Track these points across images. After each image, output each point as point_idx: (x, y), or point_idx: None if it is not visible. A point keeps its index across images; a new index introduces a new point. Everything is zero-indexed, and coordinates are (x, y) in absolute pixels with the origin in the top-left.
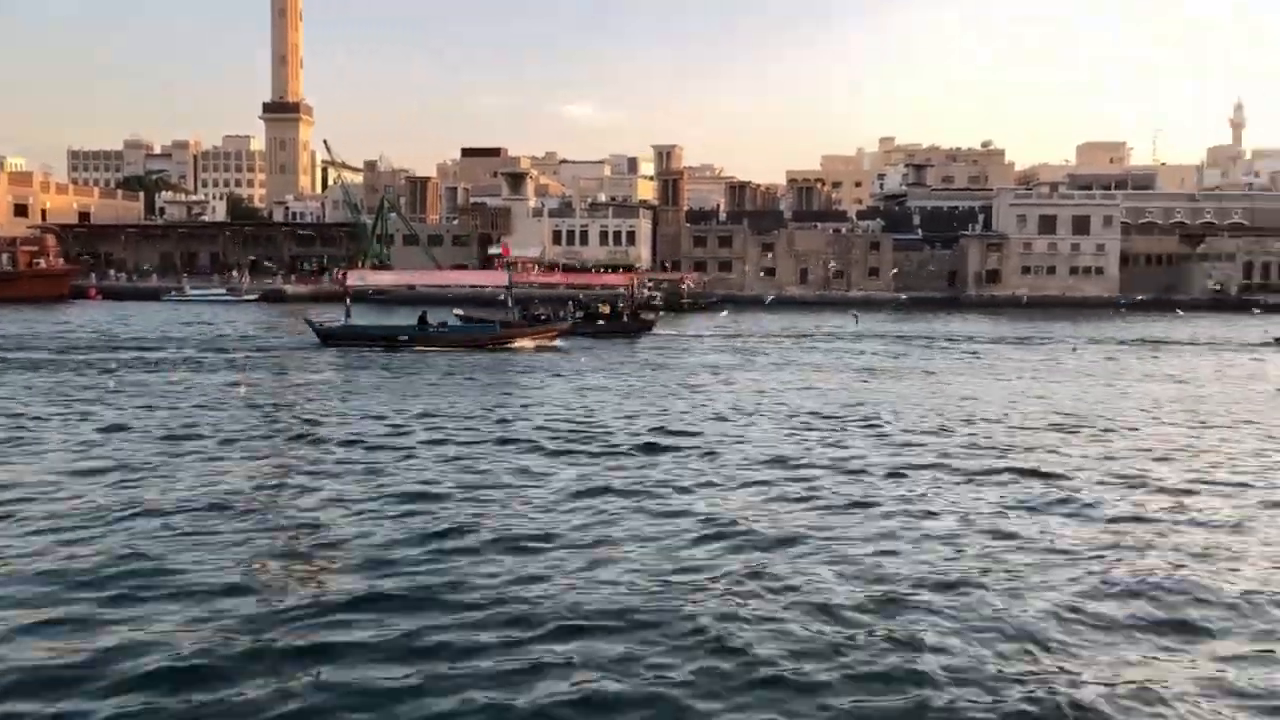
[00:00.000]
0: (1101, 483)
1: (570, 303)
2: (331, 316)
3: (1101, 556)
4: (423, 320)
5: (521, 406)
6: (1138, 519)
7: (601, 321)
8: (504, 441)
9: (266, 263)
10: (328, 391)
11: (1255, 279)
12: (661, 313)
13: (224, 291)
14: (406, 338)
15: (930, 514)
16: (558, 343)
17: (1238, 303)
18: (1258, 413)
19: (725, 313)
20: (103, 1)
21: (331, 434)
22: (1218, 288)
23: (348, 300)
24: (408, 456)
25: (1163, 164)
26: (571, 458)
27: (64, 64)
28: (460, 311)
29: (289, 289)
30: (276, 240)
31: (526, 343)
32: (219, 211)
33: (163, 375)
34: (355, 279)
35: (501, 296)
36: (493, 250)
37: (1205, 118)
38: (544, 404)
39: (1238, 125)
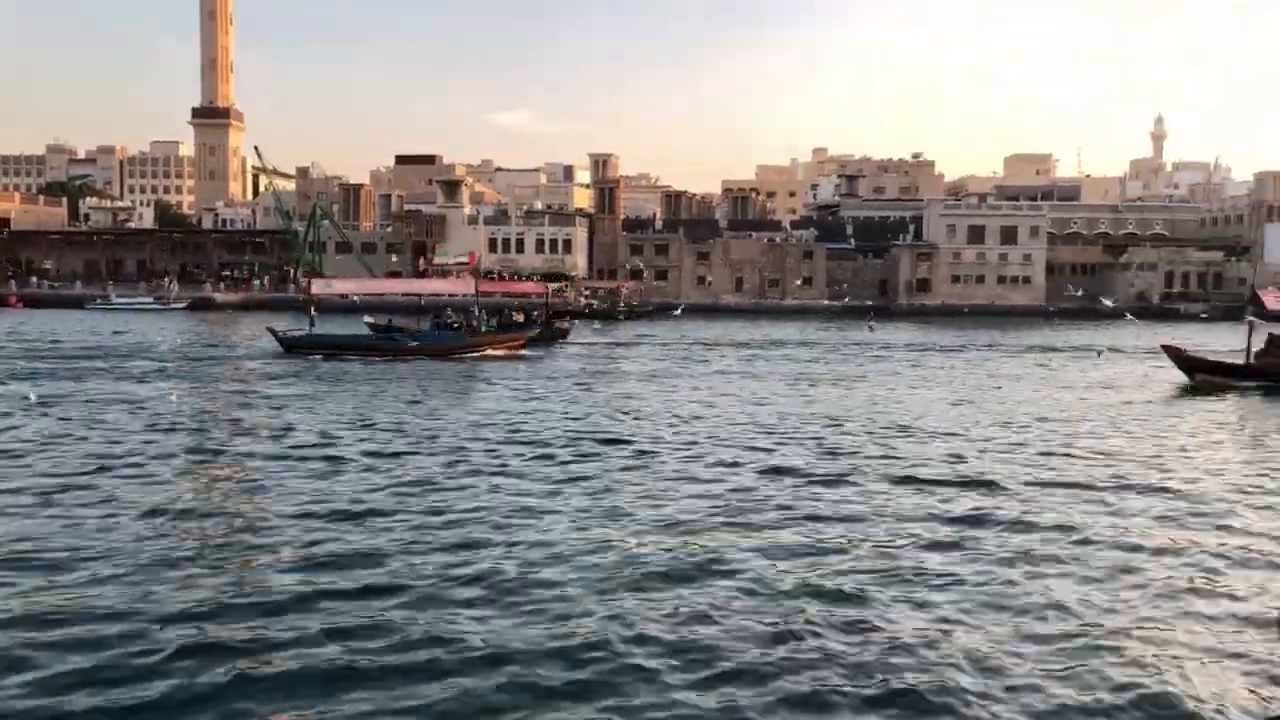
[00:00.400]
0: (1012, 491)
1: (481, 310)
2: (283, 326)
3: (1007, 565)
4: (389, 328)
5: (462, 414)
6: (1032, 525)
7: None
8: (450, 450)
9: (195, 270)
10: (280, 400)
11: (1176, 288)
12: (574, 320)
13: (151, 299)
14: (373, 346)
15: (839, 520)
16: (525, 351)
17: (1160, 310)
18: (1161, 419)
19: (679, 311)
20: (25, 1)
21: (262, 445)
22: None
23: (313, 309)
24: (337, 466)
25: (1087, 176)
26: (497, 464)
27: None
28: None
29: (218, 297)
30: (206, 248)
31: (495, 350)
32: (146, 218)
33: (87, 384)
34: (320, 287)
35: (474, 307)
36: (462, 259)
37: (1128, 130)
38: (490, 412)
39: (1158, 138)
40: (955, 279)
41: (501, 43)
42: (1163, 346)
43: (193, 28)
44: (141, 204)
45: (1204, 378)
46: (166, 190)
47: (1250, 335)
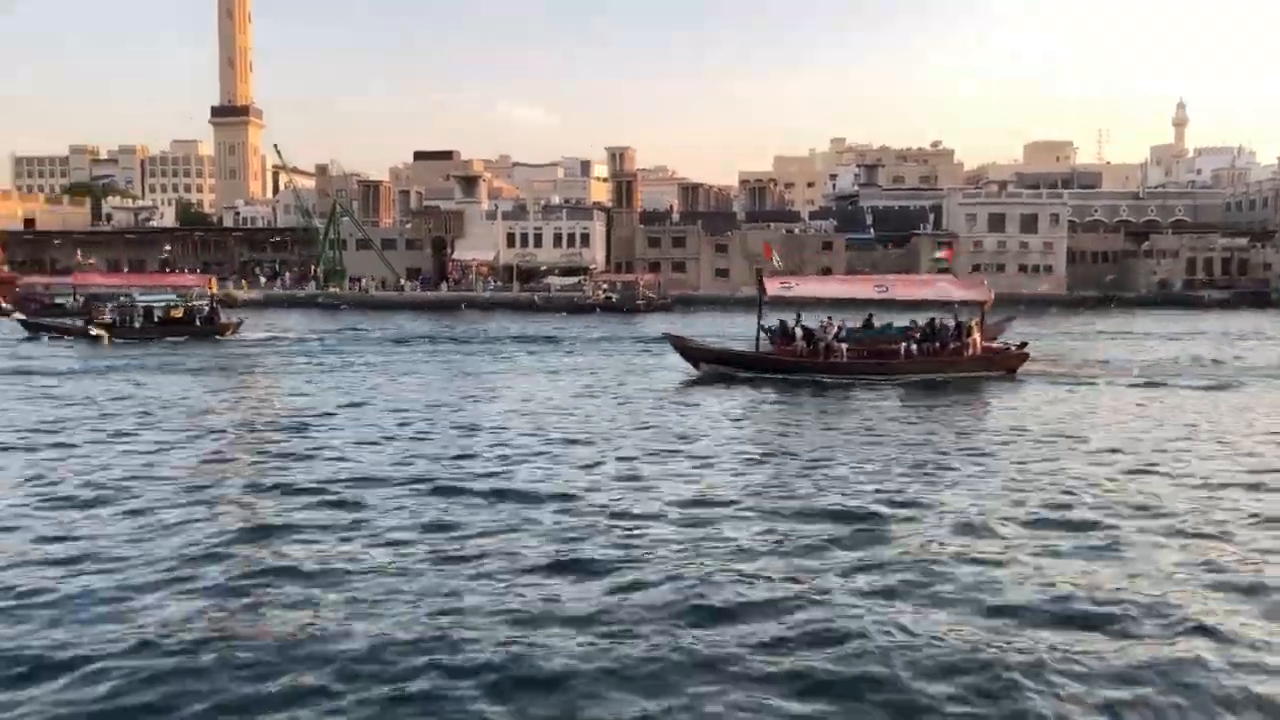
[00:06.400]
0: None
1: (134, 305)
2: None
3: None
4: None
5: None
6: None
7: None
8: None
9: (218, 267)
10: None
11: (1199, 274)
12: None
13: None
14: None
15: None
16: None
17: (1182, 298)
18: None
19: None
20: (45, 5)
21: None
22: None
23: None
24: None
25: (1108, 162)
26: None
27: (6, 69)
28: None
29: (240, 294)
30: (227, 246)
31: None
32: (168, 217)
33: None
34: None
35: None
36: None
37: (1151, 116)
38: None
39: (1180, 124)
40: (976, 268)
41: (516, 38)
42: (665, 335)
43: (211, 27)
44: (163, 203)
45: (709, 367)
46: (187, 189)
47: (760, 324)
